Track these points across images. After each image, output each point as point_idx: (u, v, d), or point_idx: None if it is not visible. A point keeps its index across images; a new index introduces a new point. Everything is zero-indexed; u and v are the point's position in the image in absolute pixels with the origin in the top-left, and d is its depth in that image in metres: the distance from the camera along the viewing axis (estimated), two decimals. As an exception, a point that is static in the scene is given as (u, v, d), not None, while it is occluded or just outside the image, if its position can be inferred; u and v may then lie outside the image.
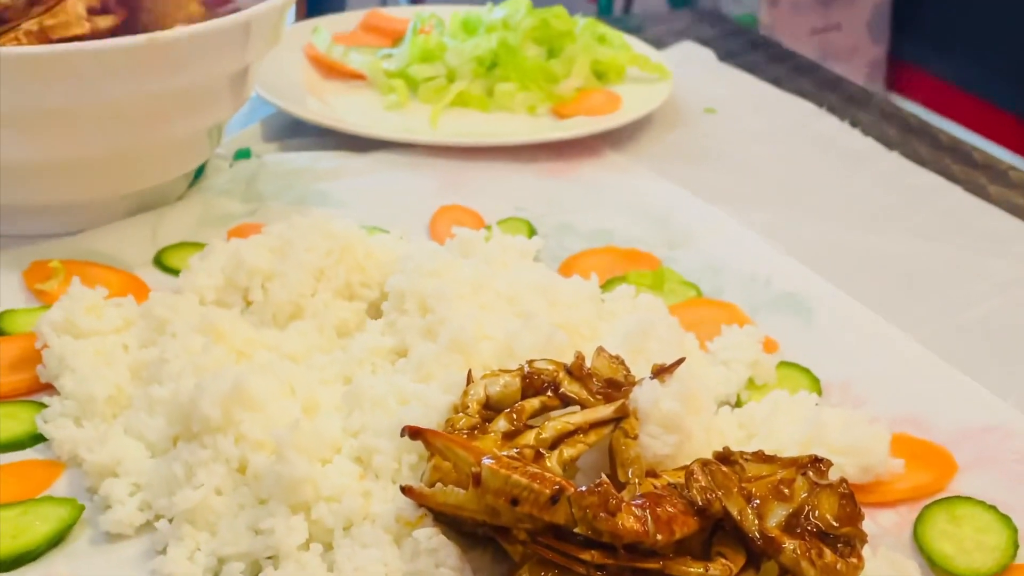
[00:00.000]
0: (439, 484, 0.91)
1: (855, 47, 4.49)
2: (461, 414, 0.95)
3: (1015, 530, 1.00)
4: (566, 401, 0.98)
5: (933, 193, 1.59)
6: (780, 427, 1.06)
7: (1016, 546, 0.99)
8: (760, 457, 0.95)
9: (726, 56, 2.02)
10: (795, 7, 4.34)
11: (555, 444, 0.92)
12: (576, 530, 0.85)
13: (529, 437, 0.92)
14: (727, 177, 1.63)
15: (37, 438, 1.11)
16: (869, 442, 1.05)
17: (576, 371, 0.99)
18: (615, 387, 1.00)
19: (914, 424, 1.14)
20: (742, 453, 0.95)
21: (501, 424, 0.93)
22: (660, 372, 1.00)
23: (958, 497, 1.04)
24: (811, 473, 0.93)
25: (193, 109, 1.41)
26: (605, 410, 0.95)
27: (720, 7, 4.38)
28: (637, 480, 0.91)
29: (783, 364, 1.21)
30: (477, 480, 0.86)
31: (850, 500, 0.92)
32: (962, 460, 1.09)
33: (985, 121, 4.28)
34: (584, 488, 0.85)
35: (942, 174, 1.64)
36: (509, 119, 1.74)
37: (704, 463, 0.91)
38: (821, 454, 1.02)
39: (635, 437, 0.95)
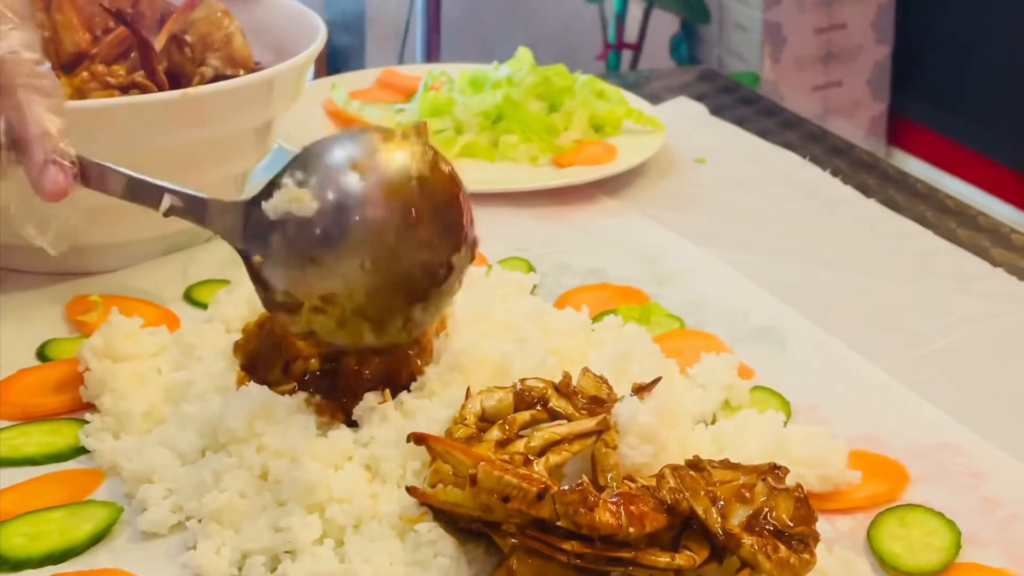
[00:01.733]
0: (440, 485, 1.02)
1: (856, 103, 4.62)
2: (459, 425, 1.07)
3: (959, 533, 1.11)
4: (554, 415, 1.10)
5: (906, 237, 1.71)
6: (748, 441, 1.17)
7: (959, 547, 1.10)
8: (726, 464, 1.06)
9: (718, 110, 2.15)
10: (797, 64, 4.48)
11: (542, 452, 1.03)
12: (559, 523, 0.96)
13: (519, 445, 1.04)
14: (714, 221, 1.75)
15: (79, 451, 1.23)
16: (828, 454, 1.16)
17: (563, 388, 1.11)
18: (598, 403, 1.11)
19: (873, 442, 1.25)
20: (710, 461, 1.07)
21: (495, 434, 1.05)
22: (640, 390, 1.12)
23: (909, 505, 1.16)
24: (770, 479, 1.04)
25: (221, 158, 1.55)
26: (588, 423, 1.07)
27: (724, 64, 4.52)
28: (615, 484, 1.02)
29: (756, 388, 1.33)
30: (473, 480, 0.98)
31: (804, 503, 1.03)
32: (915, 473, 1.20)
33: (985, 177, 4.39)
34: (566, 487, 0.97)
35: (916, 220, 1.76)
36: (512, 168, 1.86)
37: (674, 468, 1.03)
38: (783, 463, 1.14)
39: (615, 448, 1.06)
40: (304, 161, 1.13)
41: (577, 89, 1.98)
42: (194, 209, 1.18)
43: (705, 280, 1.56)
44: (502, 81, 1.97)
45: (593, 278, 1.57)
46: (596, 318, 1.42)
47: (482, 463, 0.98)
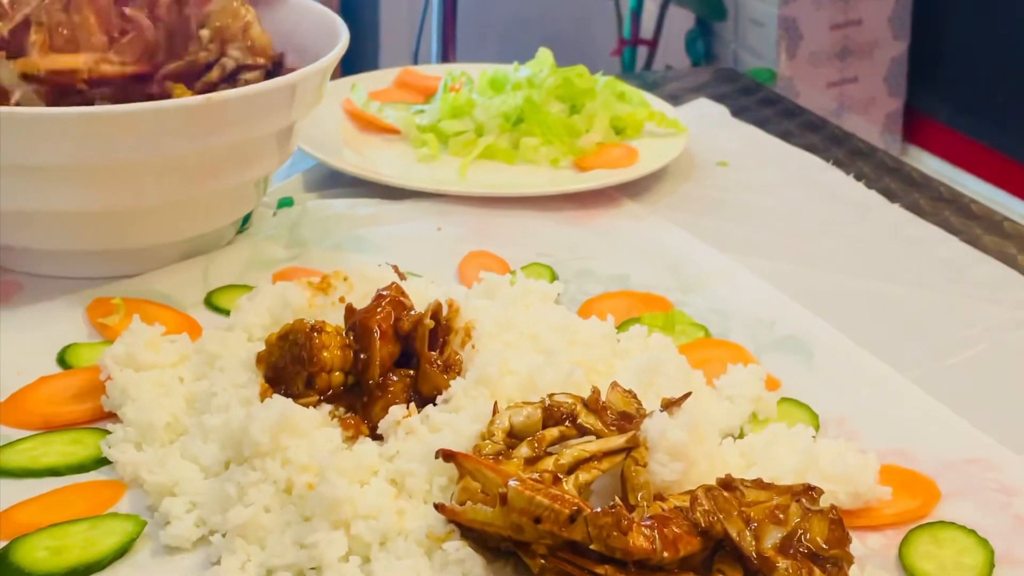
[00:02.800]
0: (468, 503, 1.01)
1: (872, 99, 4.60)
2: (487, 441, 1.06)
3: (992, 552, 1.10)
4: (583, 431, 1.09)
5: (931, 243, 1.70)
6: (778, 456, 1.16)
7: (992, 566, 1.09)
8: (759, 484, 1.05)
9: (739, 111, 2.13)
10: (813, 60, 4.45)
11: (572, 469, 1.02)
12: (592, 547, 0.95)
13: (548, 463, 1.03)
14: (737, 226, 1.74)
15: (101, 461, 1.21)
16: (859, 471, 1.15)
17: (592, 404, 1.10)
18: (627, 419, 1.10)
19: (902, 456, 1.24)
20: (743, 480, 1.05)
21: (523, 450, 1.04)
22: (669, 405, 1.11)
23: (941, 522, 1.14)
24: (804, 500, 1.03)
25: (242, 163, 1.53)
26: (618, 440, 1.06)
27: (740, 60, 4.50)
28: (646, 503, 1.01)
29: (784, 400, 1.31)
30: (504, 500, 0.97)
31: (839, 525, 1.02)
32: (946, 488, 1.19)
33: (1001, 174, 4.37)
34: (599, 510, 0.96)
35: (941, 225, 1.74)
36: (533, 171, 1.85)
37: (708, 489, 1.02)
38: (814, 482, 1.13)
39: (645, 465, 1.05)
40: None
41: (598, 91, 1.97)
42: None
43: (729, 287, 1.55)
44: (522, 82, 1.95)
45: (616, 285, 1.56)
46: (621, 327, 1.41)
47: (513, 482, 0.97)
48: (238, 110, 1.45)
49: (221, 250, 1.60)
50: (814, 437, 1.22)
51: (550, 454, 1.05)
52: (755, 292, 1.54)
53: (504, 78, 1.97)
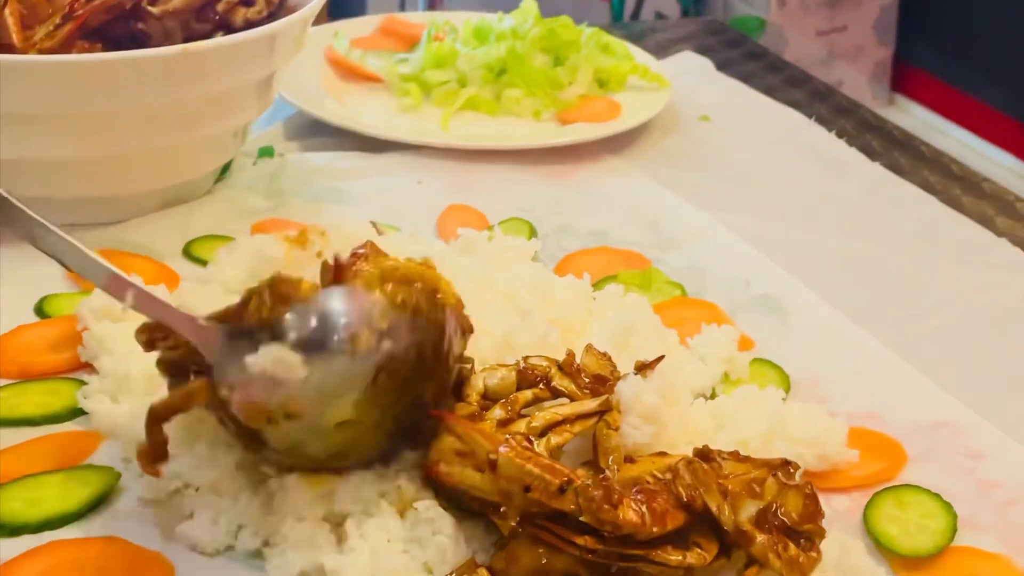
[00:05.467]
0: (443, 464, 1.01)
1: (861, 48, 4.59)
2: (461, 403, 1.07)
3: (955, 516, 1.11)
4: (556, 394, 1.09)
5: (911, 203, 1.70)
6: (747, 419, 1.17)
7: (955, 530, 1.10)
8: (736, 457, 1.05)
9: (724, 65, 2.13)
10: (803, 8, 4.44)
11: (544, 432, 1.03)
12: (581, 518, 0.95)
13: (521, 425, 1.03)
14: (717, 183, 1.74)
15: (77, 412, 1.22)
16: (827, 435, 1.16)
17: (567, 367, 1.11)
18: (601, 382, 1.11)
19: (872, 419, 1.25)
20: (720, 452, 1.05)
21: (497, 412, 1.05)
22: (642, 368, 1.12)
23: (906, 485, 1.16)
24: (780, 474, 1.03)
25: (221, 112, 1.53)
26: (591, 403, 1.07)
27: (730, 7, 4.48)
28: (616, 467, 1.02)
29: (756, 361, 1.32)
30: (493, 466, 0.96)
31: (813, 500, 1.02)
32: (913, 452, 1.20)
33: (987, 125, 4.37)
34: (590, 483, 0.96)
35: (920, 185, 1.75)
36: (515, 123, 1.85)
37: (688, 462, 1.01)
38: (783, 445, 1.14)
39: (617, 428, 1.06)
40: (297, 321, 1.04)
41: (583, 43, 1.96)
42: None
43: (707, 246, 1.56)
44: (506, 33, 1.94)
45: (594, 241, 1.56)
46: (597, 285, 1.41)
47: (503, 449, 0.97)
48: (217, 60, 1.45)
49: (200, 200, 1.60)
50: (784, 398, 1.23)
51: (523, 417, 1.05)
52: (732, 250, 1.55)
53: (488, 28, 1.96)
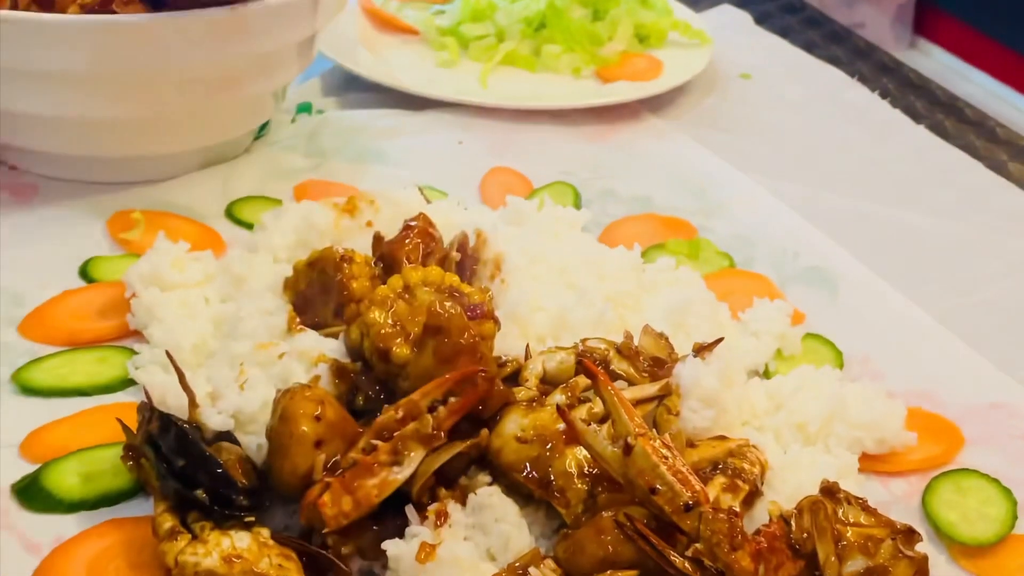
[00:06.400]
0: (592, 427, 0.98)
1: (884, -10, 4.51)
2: (521, 387, 1.06)
3: (1015, 503, 1.11)
4: (615, 377, 1.09)
5: (956, 169, 1.68)
6: (806, 401, 1.16)
7: (1015, 518, 1.10)
8: (863, 505, 1.02)
9: (762, 18, 2.10)
10: (827, -53, 4.36)
11: (605, 418, 1.02)
12: (697, 545, 0.93)
13: (583, 411, 1.02)
14: (760, 145, 1.72)
15: (127, 382, 1.21)
16: (886, 418, 1.15)
17: (625, 350, 1.10)
18: (659, 364, 1.10)
19: (927, 398, 1.24)
20: (848, 494, 1.02)
21: (558, 397, 1.04)
22: (701, 350, 1.11)
23: (964, 470, 1.15)
24: (900, 540, 0.99)
25: (264, 72, 1.51)
26: (651, 388, 1.06)
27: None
28: (678, 452, 1.01)
29: (809, 336, 1.31)
30: (628, 450, 0.95)
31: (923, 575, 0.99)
32: (969, 434, 1.20)
33: (1010, 70, 4.32)
34: (719, 512, 0.93)
35: (966, 149, 1.73)
36: (554, 80, 1.82)
37: (813, 504, 0.98)
38: (842, 428, 1.13)
39: (677, 413, 1.05)
40: None
41: (621, -5, 1.93)
42: None
43: (753, 213, 1.54)
44: (545, -14, 1.91)
45: (639, 207, 1.55)
46: (646, 254, 1.40)
47: (642, 439, 0.95)
48: (262, 20, 1.42)
49: (240, 159, 1.58)
50: (839, 379, 1.22)
51: (584, 402, 1.04)
52: (779, 219, 1.53)
53: (527, -20, 1.93)
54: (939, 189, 1.64)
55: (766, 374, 1.26)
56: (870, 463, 1.15)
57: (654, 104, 1.78)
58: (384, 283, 1.20)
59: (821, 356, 1.29)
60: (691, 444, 1.06)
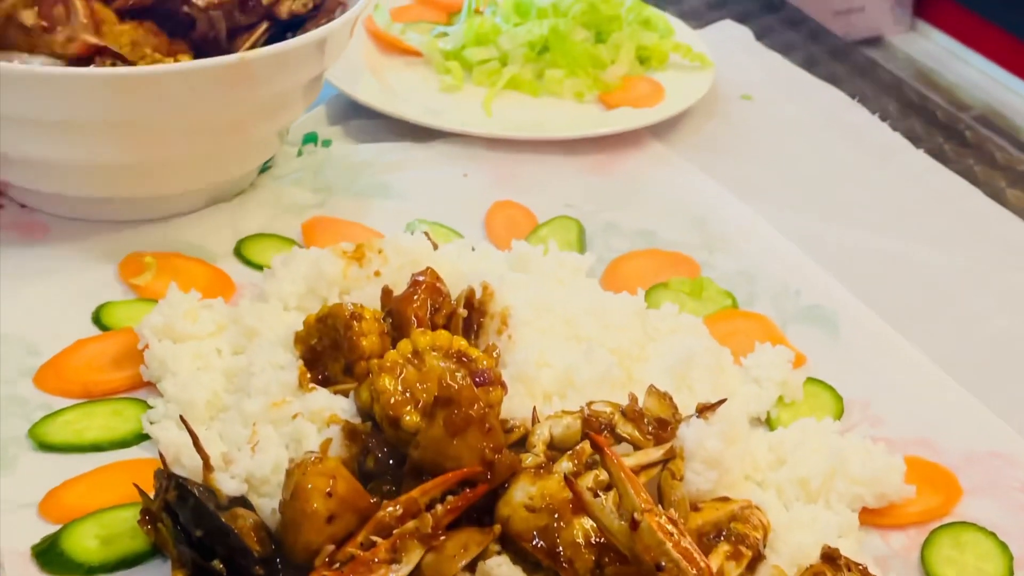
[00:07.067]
0: (599, 499, 1.00)
1: (884, -29, 4.51)
2: (528, 453, 1.08)
3: (1011, 558, 1.14)
4: (619, 440, 1.11)
5: (955, 196, 1.70)
6: (807, 456, 1.19)
7: (1011, 574, 1.13)
8: (864, 572, 1.05)
9: (763, 33, 2.11)
10: (827, -71, 4.35)
11: (611, 486, 1.04)
12: None
13: (588, 479, 1.05)
14: (761, 171, 1.74)
15: (142, 436, 1.24)
16: (886, 473, 1.18)
17: (630, 413, 1.12)
18: (663, 426, 1.13)
19: (926, 446, 1.27)
20: (848, 560, 1.05)
21: (565, 465, 1.06)
22: (704, 410, 1.14)
23: (962, 523, 1.18)
24: None
25: (270, 114, 1.52)
26: (655, 453, 1.09)
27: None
28: (683, 519, 1.04)
29: (810, 380, 1.34)
30: (635, 526, 0.97)
31: None
32: (967, 484, 1.22)
33: (1010, 55, 4.31)
34: None
35: (964, 174, 1.74)
36: (558, 105, 1.84)
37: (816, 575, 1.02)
38: (843, 485, 1.16)
39: (681, 478, 1.08)
40: None
41: (624, 15, 1.94)
42: None
43: (754, 247, 1.56)
44: (547, 9, 1.92)
45: (642, 241, 1.57)
46: (649, 294, 1.42)
47: (648, 515, 0.97)
48: (269, 67, 1.44)
49: (247, 195, 1.60)
50: (839, 432, 1.25)
51: (591, 469, 1.07)
52: (780, 254, 1.55)
53: (529, 3, 1.94)
54: (938, 218, 1.66)
55: (768, 422, 1.29)
56: (869, 516, 1.18)
57: (657, 129, 1.80)
58: (393, 339, 1.23)
59: (822, 402, 1.31)
60: (695, 507, 1.09)
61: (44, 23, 1.45)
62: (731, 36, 2.08)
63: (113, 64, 1.45)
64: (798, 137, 1.83)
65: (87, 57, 1.45)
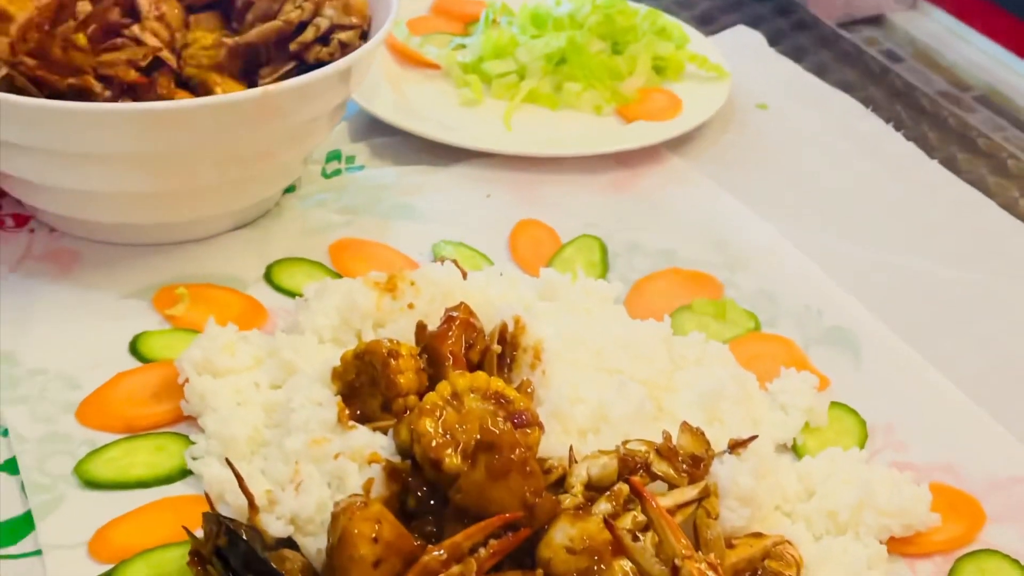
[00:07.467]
0: (639, 543, 1.04)
1: (887, -51, 4.51)
2: (567, 494, 1.11)
3: (1036, 586, 1.17)
4: (655, 478, 1.14)
5: (969, 209, 1.73)
6: (835, 487, 1.22)
7: (1036, 602, 1.16)
8: None
9: (775, 37, 2.13)
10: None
11: (648, 526, 1.07)
12: None
13: (627, 520, 1.08)
14: (778, 185, 1.77)
15: (186, 472, 1.27)
16: (913, 503, 1.21)
17: (664, 451, 1.15)
18: (696, 463, 1.16)
19: (950, 472, 1.30)
20: None
21: (603, 506, 1.10)
22: (736, 446, 1.17)
23: (987, 550, 1.21)
24: None
25: (296, 142, 1.55)
26: (691, 492, 1.12)
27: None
28: (719, 560, 1.07)
29: (834, 405, 1.37)
30: (676, 572, 1.01)
31: None
32: (991, 511, 1.26)
33: (1011, 34, 4.32)
34: None
35: (977, 184, 1.77)
36: (577, 119, 1.86)
37: None
38: (872, 517, 1.19)
39: (716, 517, 1.11)
40: None
41: (639, 24, 1.96)
42: None
43: (775, 267, 1.59)
44: (564, 20, 1.94)
45: (664, 260, 1.60)
46: (674, 317, 1.45)
47: (689, 561, 1.00)
48: (294, 99, 1.46)
49: (273, 218, 1.63)
50: (865, 460, 1.28)
51: (629, 510, 1.10)
52: (801, 273, 1.58)
53: (547, 14, 1.96)
54: (953, 233, 1.68)
55: (795, 448, 1.32)
56: (895, 545, 1.21)
57: (674, 142, 1.82)
58: (428, 376, 1.26)
59: (846, 426, 1.34)
60: (729, 544, 1.12)
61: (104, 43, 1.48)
62: (745, 43, 2.10)
63: (168, 83, 1.48)
64: (814, 148, 1.86)
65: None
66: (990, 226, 1.70)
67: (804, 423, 1.34)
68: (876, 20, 2.41)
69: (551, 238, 1.62)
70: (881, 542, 1.19)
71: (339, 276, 1.51)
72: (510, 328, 1.30)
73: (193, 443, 1.29)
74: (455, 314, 1.30)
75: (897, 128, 1.89)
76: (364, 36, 1.57)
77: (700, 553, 1.03)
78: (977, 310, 1.55)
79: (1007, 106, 2.11)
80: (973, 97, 2.12)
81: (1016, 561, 1.20)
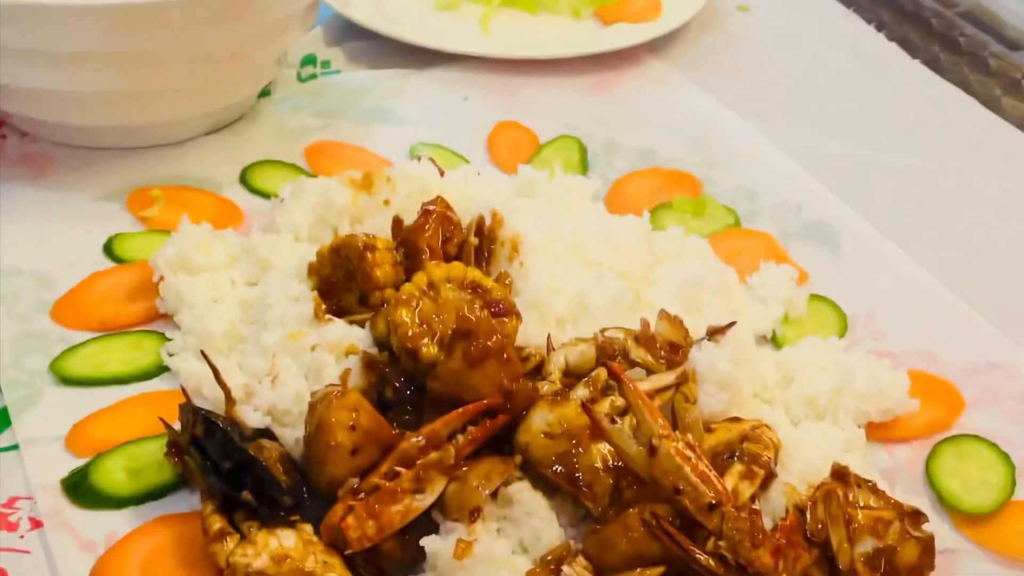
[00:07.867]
0: (617, 424, 1.03)
1: None
2: (545, 381, 1.11)
3: (1013, 468, 1.17)
4: (634, 365, 1.14)
5: (950, 107, 1.72)
6: (814, 374, 1.22)
7: (1014, 483, 1.16)
8: (873, 489, 1.07)
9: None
10: None
11: (626, 410, 1.07)
12: (720, 543, 0.98)
13: (605, 405, 1.08)
14: (759, 85, 1.75)
15: (163, 368, 1.26)
16: (891, 389, 1.21)
17: (643, 338, 1.15)
18: (675, 349, 1.15)
19: (928, 359, 1.30)
20: (857, 477, 1.07)
21: (581, 392, 1.09)
22: (714, 333, 1.16)
23: (965, 435, 1.21)
24: (908, 522, 1.05)
25: (270, 41, 1.53)
26: (669, 377, 1.11)
27: None
28: (698, 441, 1.07)
29: (814, 298, 1.36)
30: (652, 452, 1.00)
31: (929, 555, 1.04)
32: (969, 396, 1.26)
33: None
34: (738, 510, 0.98)
35: (959, 83, 1.76)
36: (555, 23, 1.84)
37: (827, 494, 1.04)
38: (850, 401, 1.19)
39: (694, 401, 1.11)
40: None
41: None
42: None
43: (755, 163, 1.58)
44: (542, -77, 1.91)
45: (643, 160, 1.58)
46: (654, 215, 1.44)
47: (666, 440, 1.00)
48: (269, -6, 1.44)
49: (249, 121, 1.61)
50: (844, 348, 1.28)
51: (607, 395, 1.09)
52: (780, 169, 1.57)
53: (523, -85, 1.93)
54: (934, 129, 1.68)
55: (774, 340, 1.32)
56: (874, 430, 1.21)
57: (654, 44, 1.80)
58: (405, 269, 1.25)
59: (825, 318, 1.34)
60: (707, 428, 1.12)
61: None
62: (725, -56, 2.07)
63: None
64: (795, 49, 1.84)
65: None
66: (970, 123, 1.69)
67: (783, 315, 1.33)
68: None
69: (530, 139, 1.61)
70: (859, 427, 1.19)
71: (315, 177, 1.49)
72: (488, 221, 1.29)
73: (169, 339, 1.28)
74: (432, 207, 1.28)
75: (879, 29, 1.87)
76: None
77: (676, 432, 1.03)
78: (955, 203, 1.54)
79: (991, 21, 2.09)
80: (957, 13, 2.10)
81: (994, 444, 1.19)
